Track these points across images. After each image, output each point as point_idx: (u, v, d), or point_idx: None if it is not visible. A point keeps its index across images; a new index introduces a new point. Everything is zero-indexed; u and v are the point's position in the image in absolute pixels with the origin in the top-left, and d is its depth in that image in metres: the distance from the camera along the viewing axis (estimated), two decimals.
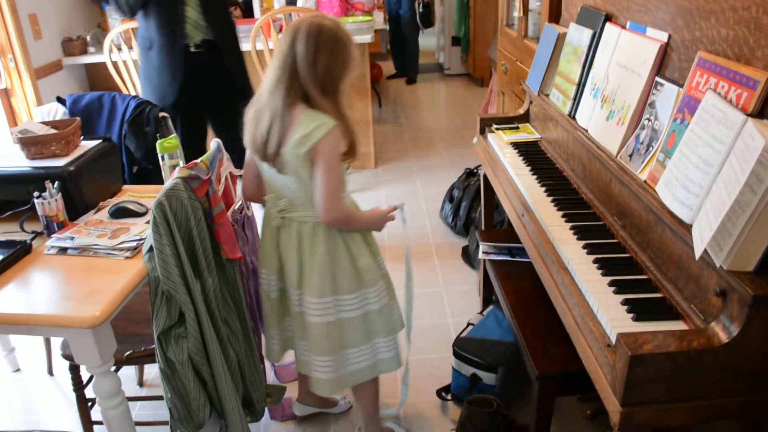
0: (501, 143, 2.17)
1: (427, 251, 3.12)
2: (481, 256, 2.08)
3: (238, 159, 1.83)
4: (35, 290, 1.51)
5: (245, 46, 3.47)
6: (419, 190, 3.86)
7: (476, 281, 2.81)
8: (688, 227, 1.21)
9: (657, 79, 1.49)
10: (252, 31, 3.28)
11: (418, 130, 5.12)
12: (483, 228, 2.50)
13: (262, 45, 3.32)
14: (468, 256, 2.98)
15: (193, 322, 1.60)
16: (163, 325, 1.60)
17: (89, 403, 1.92)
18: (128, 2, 2.43)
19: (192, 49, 2.57)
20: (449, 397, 2.12)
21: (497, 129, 2.28)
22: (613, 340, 1.19)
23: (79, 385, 1.88)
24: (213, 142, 1.77)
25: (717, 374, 1.09)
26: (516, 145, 2.13)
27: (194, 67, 2.58)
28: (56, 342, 2.45)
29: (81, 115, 2.31)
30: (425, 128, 5.16)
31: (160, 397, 1.96)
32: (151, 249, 1.57)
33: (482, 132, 2.35)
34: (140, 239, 1.68)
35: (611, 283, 1.33)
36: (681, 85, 1.39)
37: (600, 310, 1.26)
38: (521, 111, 2.34)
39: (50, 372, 2.38)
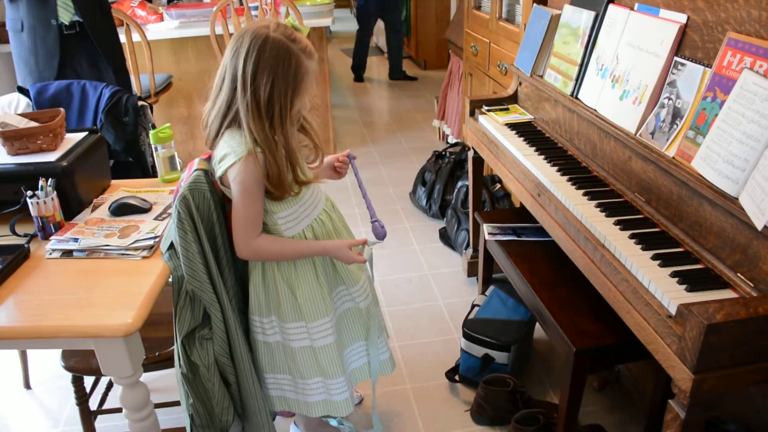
0: (496, 125, 2.18)
1: (405, 236, 3.12)
2: (487, 237, 2.10)
3: None
4: (50, 299, 1.38)
5: (203, 30, 3.33)
6: (384, 174, 3.84)
7: (459, 263, 2.84)
8: (732, 200, 1.27)
9: (676, 59, 1.54)
10: (210, 16, 3.13)
11: (371, 114, 5.09)
12: (472, 209, 2.53)
13: (221, 29, 3.17)
14: (447, 238, 3.01)
15: (220, 323, 1.53)
16: (188, 327, 1.52)
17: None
18: None
19: (65, 31, 2.52)
20: (457, 378, 2.14)
21: (488, 111, 2.30)
22: (672, 311, 1.23)
23: (82, 398, 1.75)
24: None
25: None
26: (512, 126, 2.15)
27: (68, 48, 2.53)
28: (34, 353, 2.27)
29: (48, 106, 2.14)
30: (377, 112, 5.14)
31: (168, 404, 1.87)
32: (171, 246, 1.48)
33: (472, 114, 2.36)
34: (155, 237, 1.57)
35: (654, 257, 1.38)
36: (706, 65, 1.44)
37: (652, 283, 1.30)
38: (510, 92, 2.37)
39: (27, 386, 2.20)
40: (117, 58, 2.73)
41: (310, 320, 1.55)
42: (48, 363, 2.31)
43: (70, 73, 2.54)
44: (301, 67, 1.36)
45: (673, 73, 1.54)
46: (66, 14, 2.50)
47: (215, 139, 1.44)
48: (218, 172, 1.42)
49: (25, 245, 1.54)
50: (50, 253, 1.54)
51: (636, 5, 1.73)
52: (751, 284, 1.24)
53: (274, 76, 1.33)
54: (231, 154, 1.37)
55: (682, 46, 1.55)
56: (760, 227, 1.17)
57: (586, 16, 1.92)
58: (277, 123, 1.37)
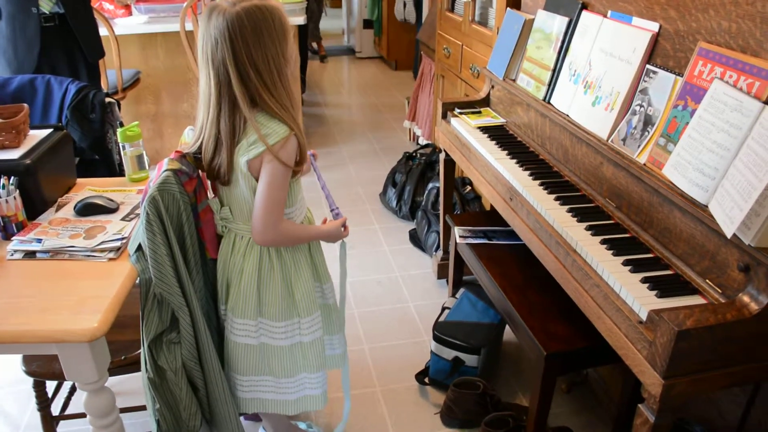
0: (468, 128, 2.19)
1: (374, 237, 3.11)
2: (458, 240, 2.10)
3: None
4: (11, 302, 1.33)
5: (172, 26, 3.27)
6: (353, 175, 3.83)
7: (429, 265, 2.84)
8: (702, 208, 1.30)
9: (648, 66, 1.56)
10: (181, 11, 3.07)
11: (340, 114, 5.07)
12: (443, 212, 2.53)
13: (192, 25, 3.12)
14: (417, 240, 3.01)
15: (189, 327, 1.50)
16: (155, 331, 1.49)
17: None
18: None
19: (43, 23, 2.48)
20: (427, 381, 2.14)
21: (460, 113, 2.30)
22: (643, 317, 1.25)
23: (44, 403, 1.70)
24: (190, 132, 1.64)
25: (745, 342, 1.18)
26: (484, 130, 2.16)
27: (46, 42, 2.50)
28: None
29: (10, 101, 2.06)
30: (347, 112, 5.12)
31: (133, 408, 1.83)
32: (139, 248, 1.44)
33: (444, 116, 2.36)
34: (122, 238, 1.53)
35: (625, 263, 1.39)
36: (678, 74, 1.47)
37: (624, 288, 1.32)
38: (482, 95, 2.37)
39: None
40: (97, 50, 2.68)
41: (305, 315, 1.56)
42: (7, 366, 2.23)
43: (46, 68, 2.49)
44: (275, 15, 1.33)
45: (645, 81, 1.57)
46: (47, 3, 2.47)
47: (233, 140, 1.38)
48: (250, 155, 1.35)
49: None
50: (12, 254, 1.49)
51: (609, 12, 1.75)
52: (719, 290, 1.27)
53: (264, 44, 1.31)
54: (271, 135, 1.34)
55: (654, 55, 1.57)
56: (729, 235, 1.19)
57: (560, 22, 1.93)
58: (277, 92, 1.35)
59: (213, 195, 1.59)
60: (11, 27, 2.42)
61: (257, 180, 1.39)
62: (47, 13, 2.48)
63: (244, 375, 1.60)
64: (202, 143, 1.43)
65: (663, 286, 1.30)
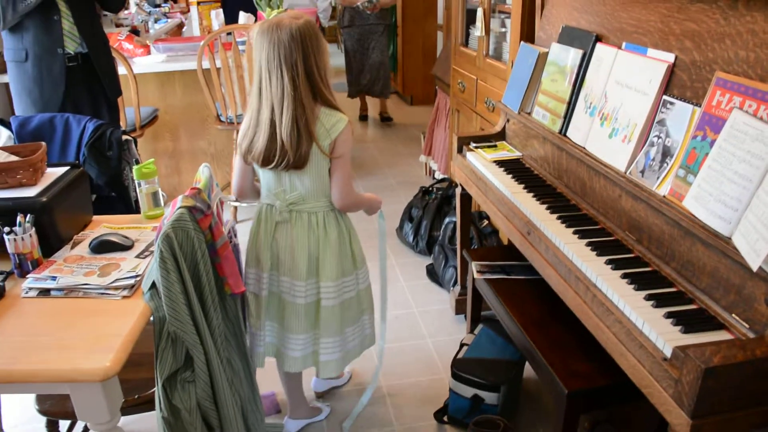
0: (484, 162, 2.18)
1: (391, 272, 3.09)
2: (475, 275, 2.07)
3: None
4: (24, 340, 1.32)
5: (190, 64, 3.33)
6: None
7: (447, 300, 2.81)
8: (725, 240, 1.26)
9: (665, 97, 1.55)
10: (198, 50, 3.13)
11: (356, 149, 5.09)
12: (460, 247, 2.50)
13: (209, 63, 3.17)
14: (434, 275, 2.97)
15: (203, 365, 1.48)
16: (169, 369, 1.47)
17: None
18: (5, 19, 2.43)
19: (67, 63, 2.55)
20: (446, 419, 2.08)
21: (476, 147, 2.29)
22: (668, 354, 1.21)
23: None
24: (205, 169, 1.65)
25: None
26: (501, 164, 2.15)
27: (69, 81, 2.58)
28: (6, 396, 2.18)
29: (30, 139, 2.10)
30: (363, 147, 5.14)
31: None
32: (153, 286, 1.44)
33: (459, 150, 2.35)
34: (136, 275, 1.53)
35: (647, 297, 1.35)
36: (695, 104, 1.45)
37: (646, 324, 1.28)
38: (497, 129, 2.37)
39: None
40: (117, 89, 2.75)
41: (360, 267, 1.84)
42: (22, 405, 2.22)
43: (69, 106, 2.55)
44: (317, 28, 1.62)
45: (662, 112, 1.55)
46: (72, 44, 2.55)
47: (307, 126, 1.60)
48: (332, 137, 1.63)
49: (1, 283, 1.49)
50: (26, 292, 1.49)
51: (624, 44, 1.75)
52: (747, 325, 1.22)
53: (321, 50, 1.61)
54: (340, 121, 1.64)
55: (670, 85, 1.55)
56: (755, 268, 1.15)
57: (574, 55, 1.93)
58: (329, 90, 1.65)
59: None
60: (38, 68, 2.48)
61: (330, 160, 1.66)
62: (72, 53, 2.54)
63: (338, 335, 1.80)
64: (278, 142, 1.61)
65: (687, 322, 1.26)
